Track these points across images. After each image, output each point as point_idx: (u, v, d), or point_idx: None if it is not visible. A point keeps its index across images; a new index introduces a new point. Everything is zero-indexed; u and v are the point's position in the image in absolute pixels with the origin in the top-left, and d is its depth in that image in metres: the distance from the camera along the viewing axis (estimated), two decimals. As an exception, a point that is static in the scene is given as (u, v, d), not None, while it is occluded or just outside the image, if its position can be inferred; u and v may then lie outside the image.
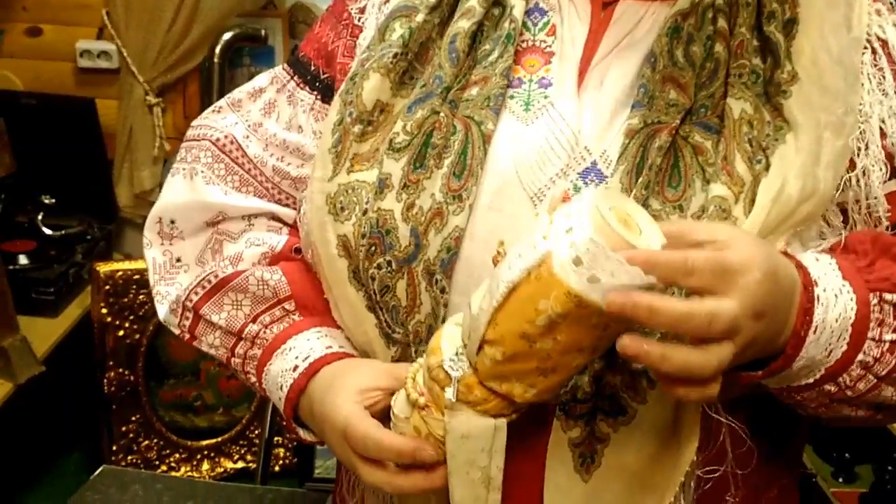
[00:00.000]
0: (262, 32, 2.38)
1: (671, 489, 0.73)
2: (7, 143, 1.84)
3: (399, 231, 0.75)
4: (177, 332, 0.89)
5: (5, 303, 1.80)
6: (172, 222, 0.89)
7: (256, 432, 2.31)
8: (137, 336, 2.11)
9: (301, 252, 0.87)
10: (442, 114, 0.77)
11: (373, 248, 0.76)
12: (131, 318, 2.10)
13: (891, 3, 0.81)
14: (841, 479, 1.91)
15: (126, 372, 2.12)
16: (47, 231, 2.20)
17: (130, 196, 2.44)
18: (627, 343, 0.58)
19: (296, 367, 0.80)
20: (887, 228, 0.75)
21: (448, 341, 0.67)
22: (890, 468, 1.84)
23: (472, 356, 0.65)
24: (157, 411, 2.20)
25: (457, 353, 0.66)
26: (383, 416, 0.73)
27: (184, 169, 0.90)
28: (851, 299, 0.67)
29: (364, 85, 0.79)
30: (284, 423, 0.84)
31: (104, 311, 2.07)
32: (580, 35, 0.79)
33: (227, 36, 2.33)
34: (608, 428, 0.72)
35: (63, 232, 2.22)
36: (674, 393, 0.61)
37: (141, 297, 2.11)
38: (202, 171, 0.88)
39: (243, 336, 0.85)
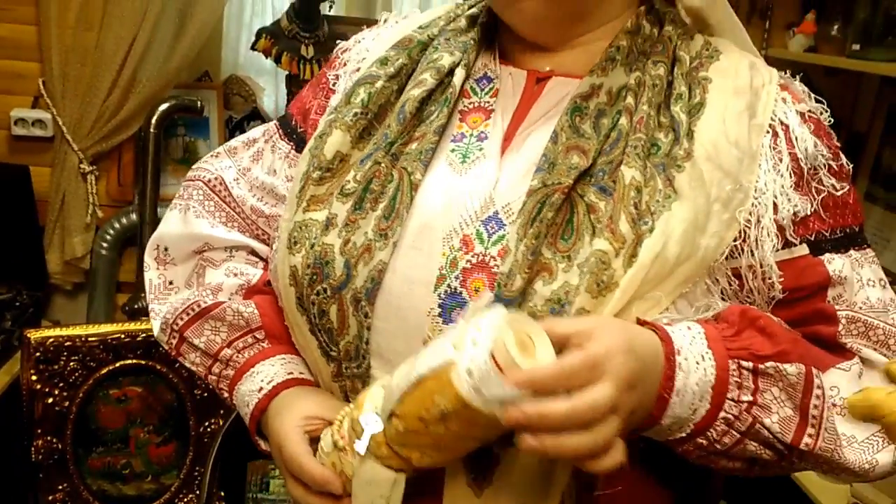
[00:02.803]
0: (199, 103, 2.43)
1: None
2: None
3: (336, 262, 0.85)
4: (165, 347, 1.01)
5: (-67, 370, 1.78)
6: (166, 249, 1.03)
7: (185, 500, 2.29)
8: (67, 403, 2.09)
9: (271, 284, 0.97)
10: (383, 164, 0.88)
11: (314, 277, 0.86)
12: (61, 385, 2.08)
13: (804, 91, 0.92)
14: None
15: (54, 440, 2.09)
16: (-25, 298, 2.18)
17: (61, 263, 2.45)
18: (527, 443, 0.68)
19: (261, 389, 0.93)
20: (781, 293, 0.85)
21: (370, 401, 0.78)
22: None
23: (382, 422, 0.76)
24: (85, 479, 2.16)
25: (374, 412, 0.77)
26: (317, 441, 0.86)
27: (180, 205, 1.04)
28: (712, 366, 0.77)
29: (328, 140, 0.91)
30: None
31: (34, 377, 2.05)
32: (512, 101, 0.91)
33: (163, 106, 2.37)
34: (498, 450, 0.81)
35: (-8, 298, 2.21)
36: (584, 468, 0.70)
37: (72, 364, 2.10)
38: (194, 207, 1.02)
39: (219, 358, 0.97)
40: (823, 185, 0.87)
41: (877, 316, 0.87)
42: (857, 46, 2.11)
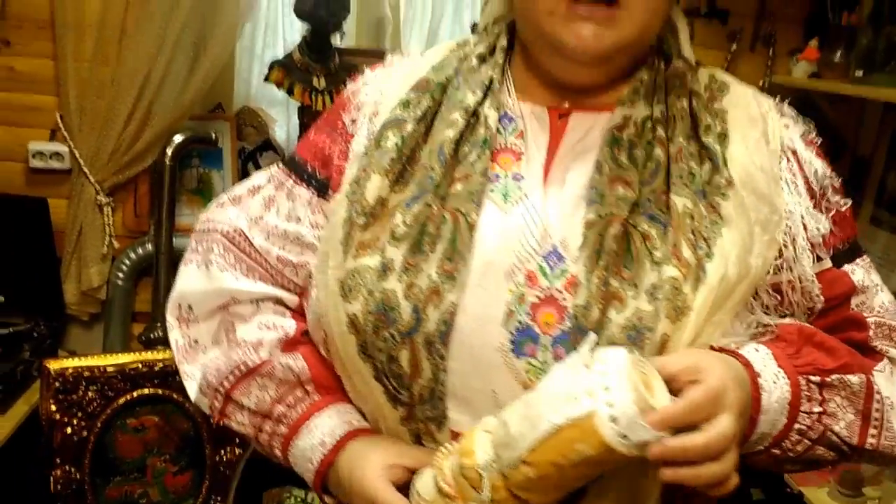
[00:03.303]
0: (213, 135, 2.48)
1: None
2: (-37, 242, 1.89)
3: (402, 307, 0.85)
4: (207, 411, 0.99)
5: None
6: (190, 308, 1.01)
7: (202, 528, 2.30)
8: (85, 433, 2.12)
9: (309, 334, 0.98)
10: (434, 207, 0.89)
11: (379, 324, 0.86)
12: (80, 414, 2.11)
13: (795, 115, 0.98)
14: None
15: (72, 469, 2.11)
16: (-6, 329, 2.21)
17: (77, 293, 2.48)
18: (667, 475, 0.75)
19: (323, 443, 0.93)
20: (822, 303, 0.92)
21: (482, 448, 0.80)
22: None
23: (504, 467, 0.77)
24: (103, 509, 2.19)
25: (490, 461, 0.78)
26: (401, 488, 0.87)
27: (197, 259, 1.02)
28: (786, 383, 0.86)
29: (367, 185, 0.92)
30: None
31: (53, 407, 2.08)
32: (543, 139, 0.94)
33: (179, 139, 2.40)
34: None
35: (10, 329, 2.23)
36: (712, 493, 0.77)
37: (90, 393, 2.12)
38: (216, 261, 1.00)
39: (271, 416, 0.97)
40: (832, 203, 0.94)
41: (892, 317, 0.96)
42: (860, 73, 2.15)
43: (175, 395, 2.19)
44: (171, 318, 1.03)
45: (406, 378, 0.87)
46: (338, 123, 1.02)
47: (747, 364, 0.84)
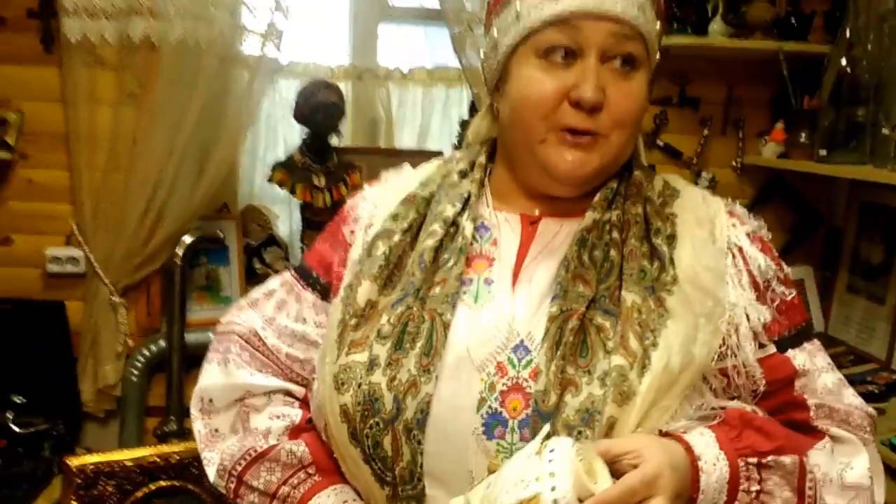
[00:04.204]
0: (221, 234, 2.61)
1: None
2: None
3: (385, 398, 0.97)
4: (223, 492, 1.11)
5: (-17, 501, 1.89)
6: (210, 401, 1.15)
7: None
8: (105, 527, 2.18)
9: (313, 422, 1.09)
10: (414, 308, 1.01)
11: (366, 413, 0.97)
12: (99, 509, 2.18)
13: (745, 213, 1.11)
14: None
15: (93, 564, 2.17)
16: (16, 429, 2.29)
17: (94, 391, 2.57)
18: None
19: None
20: (764, 386, 1.02)
21: None
22: None
23: None
24: None
25: None
26: None
27: (218, 358, 1.16)
28: (725, 465, 0.95)
29: (358, 290, 1.05)
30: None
31: (74, 503, 2.15)
32: (513, 245, 1.07)
33: (188, 239, 2.54)
34: None
35: (32, 429, 2.31)
36: None
37: (109, 488, 2.19)
38: (234, 359, 1.14)
39: (277, 496, 1.08)
40: (776, 293, 1.05)
41: (834, 399, 1.04)
42: (823, 152, 2.29)
43: (191, 487, 2.25)
44: (194, 411, 1.16)
45: (389, 461, 0.97)
46: (339, 235, 1.17)
47: (689, 448, 0.93)
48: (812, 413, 1.04)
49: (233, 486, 1.10)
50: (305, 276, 1.18)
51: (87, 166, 2.52)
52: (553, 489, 0.83)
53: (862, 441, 1.04)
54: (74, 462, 2.19)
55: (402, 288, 1.04)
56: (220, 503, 2.27)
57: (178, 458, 2.26)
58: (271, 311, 1.17)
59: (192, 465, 2.24)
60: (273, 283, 1.20)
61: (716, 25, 2.53)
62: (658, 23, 1.05)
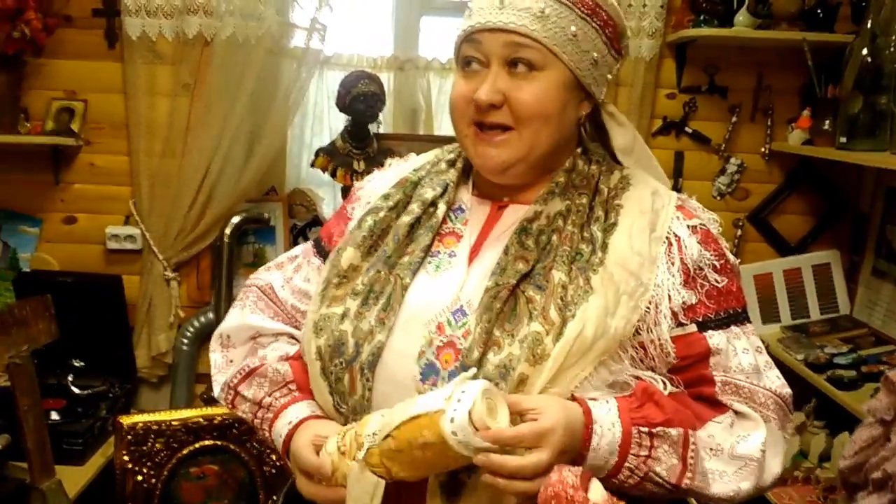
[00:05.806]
0: (266, 215, 2.78)
1: None
2: (53, 314, 2.18)
3: (348, 343, 1.16)
4: (223, 403, 1.29)
5: (45, 452, 2.08)
6: (229, 337, 1.36)
7: (257, 571, 2.51)
8: (153, 481, 2.38)
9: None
10: (382, 273, 1.20)
11: (333, 354, 1.17)
12: (148, 464, 2.37)
13: (697, 208, 1.23)
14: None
15: (143, 514, 2.37)
16: (76, 390, 2.50)
17: (148, 358, 2.77)
18: (488, 480, 1.00)
19: (290, 423, 1.21)
20: (675, 360, 1.15)
21: (371, 426, 1.07)
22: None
23: (379, 439, 1.04)
24: (169, 551, 2.42)
25: (373, 433, 1.05)
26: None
27: (240, 304, 1.37)
28: (619, 431, 1.08)
29: (343, 255, 1.23)
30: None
31: (126, 458, 2.35)
32: (478, 226, 1.24)
33: (236, 219, 2.72)
34: (465, 477, 1.10)
35: (90, 391, 2.52)
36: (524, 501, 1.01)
37: (157, 445, 2.39)
38: (250, 306, 1.35)
39: (262, 405, 1.26)
40: (708, 280, 1.17)
41: (746, 378, 1.16)
42: (843, 139, 2.33)
43: (232, 446, 2.44)
44: (214, 344, 1.36)
45: (346, 395, 1.16)
46: (344, 211, 1.38)
47: (588, 412, 1.07)
48: (717, 389, 1.16)
49: (231, 397, 1.30)
50: (318, 245, 1.37)
51: (144, 152, 2.71)
52: (454, 410, 0.98)
53: (763, 418, 1.15)
54: (126, 421, 2.41)
55: (378, 256, 1.22)
56: (258, 461, 2.45)
57: (221, 419, 2.46)
58: (290, 272, 1.37)
59: (233, 427, 2.43)
60: (297, 249, 1.42)
61: (741, 17, 2.58)
62: (602, 32, 1.19)
